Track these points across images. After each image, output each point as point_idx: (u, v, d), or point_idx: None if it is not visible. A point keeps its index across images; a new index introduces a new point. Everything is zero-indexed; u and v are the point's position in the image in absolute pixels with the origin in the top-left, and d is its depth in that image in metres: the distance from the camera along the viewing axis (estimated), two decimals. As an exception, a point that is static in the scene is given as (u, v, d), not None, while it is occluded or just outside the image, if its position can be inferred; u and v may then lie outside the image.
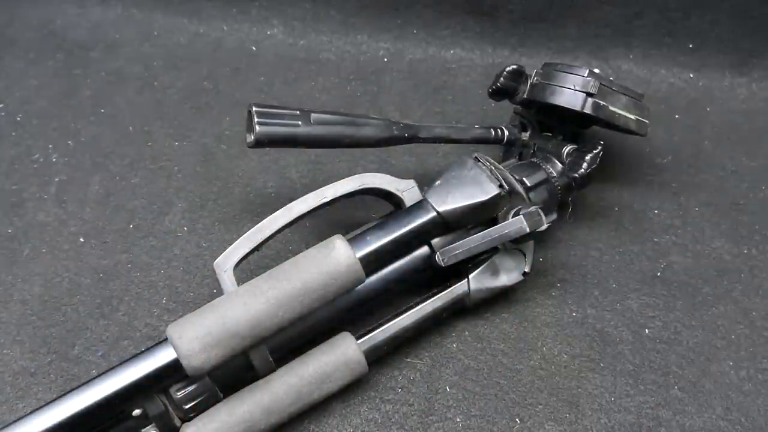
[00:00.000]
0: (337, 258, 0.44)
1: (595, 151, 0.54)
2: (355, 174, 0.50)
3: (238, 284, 0.45)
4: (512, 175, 0.53)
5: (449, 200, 0.50)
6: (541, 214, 0.49)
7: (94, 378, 0.43)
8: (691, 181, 0.67)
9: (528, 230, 0.48)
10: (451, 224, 0.51)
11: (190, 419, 0.44)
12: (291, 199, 0.48)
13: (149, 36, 0.81)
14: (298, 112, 0.50)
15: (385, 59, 0.79)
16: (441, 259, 0.50)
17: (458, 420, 0.49)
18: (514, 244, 0.52)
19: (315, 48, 0.80)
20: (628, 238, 0.61)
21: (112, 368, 0.43)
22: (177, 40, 0.80)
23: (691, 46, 0.77)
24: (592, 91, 0.53)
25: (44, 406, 0.42)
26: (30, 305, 0.55)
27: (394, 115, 0.72)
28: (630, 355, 0.53)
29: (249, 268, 0.55)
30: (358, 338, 0.49)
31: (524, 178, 0.54)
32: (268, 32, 0.81)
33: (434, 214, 0.50)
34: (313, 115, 0.51)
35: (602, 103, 0.54)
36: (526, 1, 0.76)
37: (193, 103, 0.73)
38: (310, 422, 0.49)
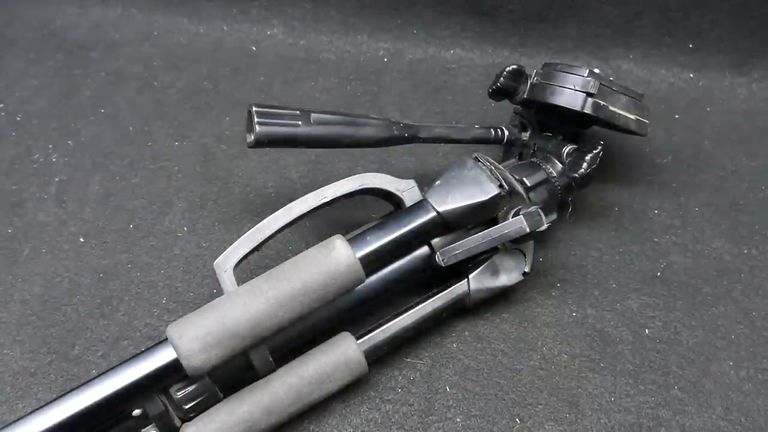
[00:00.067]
0: (337, 258, 0.44)
1: (595, 151, 0.54)
2: (355, 174, 0.50)
3: (238, 284, 0.45)
4: (512, 175, 0.53)
5: (449, 200, 0.50)
6: (541, 214, 0.49)
7: (94, 378, 0.43)
8: (691, 181, 0.67)
9: (528, 230, 0.48)
10: (451, 224, 0.51)
11: (190, 419, 0.44)
12: (291, 199, 0.48)
13: (149, 36, 0.81)
14: (298, 112, 0.50)
15: (385, 59, 0.79)
16: (441, 259, 0.50)
17: (458, 420, 0.49)
18: (514, 244, 0.52)
19: (315, 48, 0.80)
20: (628, 238, 0.61)
21: (112, 368, 0.43)
22: (177, 40, 0.80)
23: (691, 46, 0.77)
24: (592, 91, 0.53)
25: (44, 406, 0.42)
26: (30, 305, 0.55)
27: (394, 115, 0.72)
28: (630, 355, 0.53)
29: (249, 268, 0.55)
30: (358, 338, 0.49)
31: (524, 178, 0.54)
32: (268, 32, 0.81)
33: (434, 214, 0.50)
34: (313, 115, 0.51)
35: (602, 103, 0.54)
36: (526, 1, 0.76)
37: (193, 103, 0.73)
38: (310, 422, 0.49)
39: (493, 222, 0.51)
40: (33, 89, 0.74)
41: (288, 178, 0.65)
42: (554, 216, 0.56)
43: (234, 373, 0.46)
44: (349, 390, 0.49)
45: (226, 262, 0.46)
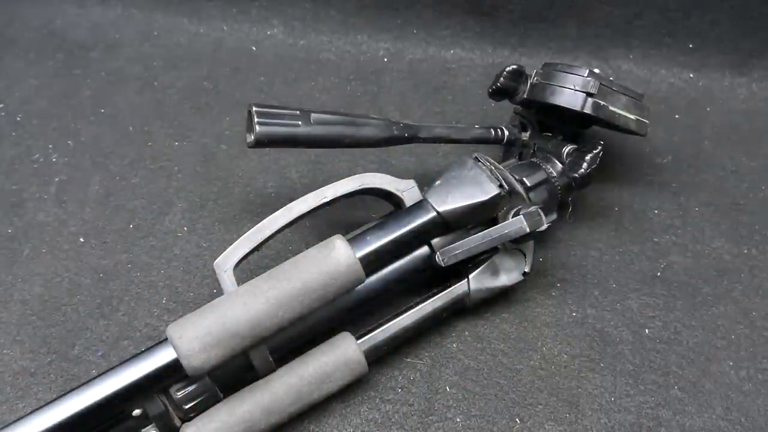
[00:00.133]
0: (337, 258, 0.44)
1: (595, 151, 0.54)
2: (355, 174, 0.50)
3: (238, 284, 0.45)
4: (512, 175, 0.53)
5: (449, 200, 0.50)
6: (541, 214, 0.49)
7: (94, 378, 0.43)
8: (691, 181, 0.67)
9: (528, 230, 0.48)
10: (451, 224, 0.51)
11: (190, 419, 0.44)
12: (291, 199, 0.48)
13: (149, 36, 0.81)
14: (298, 112, 0.50)
15: (385, 59, 0.79)
16: (441, 259, 0.50)
17: (458, 420, 0.49)
18: (514, 244, 0.52)
19: (315, 48, 0.80)
20: (628, 238, 0.61)
21: (112, 368, 0.43)
22: (177, 40, 0.80)
23: (691, 46, 0.77)
24: (592, 91, 0.53)
25: (44, 406, 0.42)
26: (30, 305, 0.55)
27: (394, 115, 0.72)
28: (630, 355, 0.53)
29: (249, 268, 0.55)
30: (358, 338, 0.49)
31: (524, 178, 0.54)
32: (268, 32, 0.81)
33: (434, 214, 0.50)
34: (313, 115, 0.51)
35: (602, 103, 0.54)
36: (526, 1, 0.76)
37: (193, 103, 0.73)
38: (310, 422, 0.49)
39: (493, 222, 0.51)
40: (33, 89, 0.74)
41: (288, 178, 0.65)
42: (554, 216, 0.56)
43: (234, 373, 0.46)
44: (349, 390, 0.49)
45: (226, 262, 0.46)
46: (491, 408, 0.50)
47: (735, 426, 0.50)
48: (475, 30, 0.79)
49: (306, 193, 0.49)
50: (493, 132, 0.60)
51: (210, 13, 0.82)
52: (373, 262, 0.49)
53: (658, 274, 0.59)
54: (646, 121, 0.57)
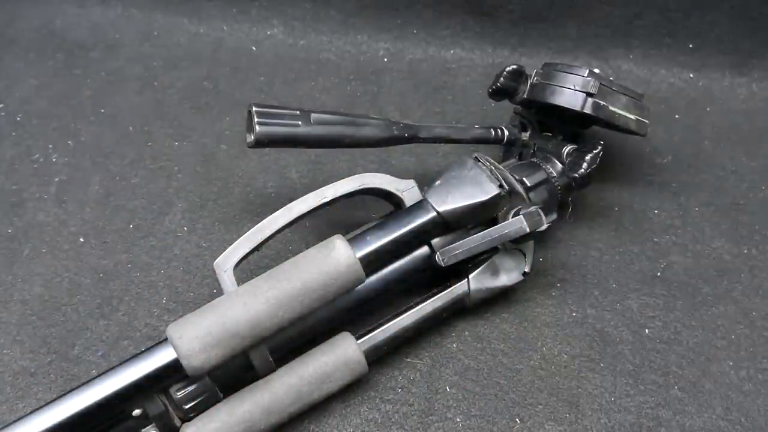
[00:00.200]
0: (337, 258, 0.44)
1: (595, 151, 0.54)
2: (355, 174, 0.50)
3: (238, 284, 0.45)
4: (512, 175, 0.53)
5: (449, 200, 0.50)
6: (541, 214, 0.49)
7: (94, 378, 0.43)
8: (691, 181, 0.67)
9: (528, 230, 0.48)
10: (451, 224, 0.51)
11: (190, 419, 0.44)
12: (291, 199, 0.48)
13: (149, 36, 0.81)
14: (298, 112, 0.50)
15: (385, 59, 0.79)
16: (441, 259, 0.50)
17: (458, 420, 0.49)
18: (514, 244, 0.52)
19: (315, 48, 0.80)
20: (628, 238, 0.61)
21: (112, 368, 0.43)
22: (177, 40, 0.80)
23: (691, 46, 0.77)
24: (592, 91, 0.53)
25: (44, 406, 0.42)
26: (30, 305, 0.55)
27: (394, 115, 0.72)
28: (630, 355, 0.53)
29: (249, 268, 0.55)
30: (358, 338, 0.49)
31: (524, 178, 0.54)
32: (268, 32, 0.81)
33: (434, 214, 0.50)
34: (313, 115, 0.51)
35: (602, 103, 0.54)
36: (526, 1, 0.76)
37: (193, 103, 0.73)
38: (310, 422, 0.49)
39: (493, 222, 0.51)
40: (33, 89, 0.74)
41: (288, 178, 0.65)
42: (554, 216, 0.56)
43: (234, 373, 0.46)
44: (349, 390, 0.49)
45: (226, 262, 0.46)
46: (491, 408, 0.50)
47: (735, 426, 0.50)
48: (475, 30, 0.79)
49: (306, 193, 0.49)
50: (493, 132, 0.60)
51: (210, 13, 0.82)
52: (373, 262, 0.49)
53: (658, 274, 0.59)
54: (646, 121, 0.57)
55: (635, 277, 0.58)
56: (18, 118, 0.71)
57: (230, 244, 0.46)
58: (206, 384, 0.44)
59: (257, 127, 0.48)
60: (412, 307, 0.51)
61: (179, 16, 0.82)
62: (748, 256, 0.60)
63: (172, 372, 0.43)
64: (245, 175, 0.65)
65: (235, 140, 0.68)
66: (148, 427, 0.45)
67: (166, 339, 0.43)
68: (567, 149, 0.57)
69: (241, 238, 0.47)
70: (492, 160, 0.52)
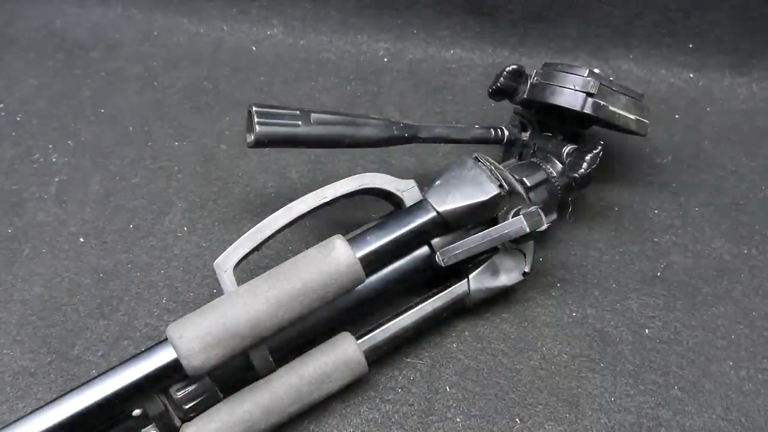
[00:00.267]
0: (337, 258, 0.44)
1: (595, 151, 0.54)
2: (355, 174, 0.50)
3: (238, 284, 0.45)
4: (512, 175, 0.53)
5: (449, 200, 0.50)
6: (541, 214, 0.49)
7: (94, 378, 0.43)
8: (691, 181, 0.67)
9: (528, 230, 0.48)
10: (451, 224, 0.51)
11: (190, 419, 0.44)
12: (291, 199, 0.48)
13: (149, 36, 0.81)
14: (298, 112, 0.50)
15: (385, 59, 0.79)
16: (441, 259, 0.50)
17: (458, 420, 0.49)
18: (514, 244, 0.52)
19: (315, 48, 0.80)
20: (628, 238, 0.61)
21: (112, 368, 0.43)
22: (177, 40, 0.80)
23: (691, 46, 0.77)
24: (592, 91, 0.53)
25: (44, 406, 0.42)
26: (30, 305, 0.55)
27: (394, 115, 0.72)
28: (630, 355, 0.53)
29: (249, 268, 0.55)
30: (358, 338, 0.49)
31: (524, 178, 0.54)
32: (268, 32, 0.81)
33: (434, 214, 0.50)
34: (313, 115, 0.51)
35: (602, 103, 0.54)
36: (526, 1, 0.76)
37: (193, 103, 0.73)
38: (310, 422, 0.49)
39: (493, 222, 0.51)
40: (33, 89, 0.74)
41: (288, 178, 0.65)
42: (554, 216, 0.56)
43: (234, 373, 0.46)
44: (349, 390, 0.49)
45: (226, 262, 0.46)
46: (491, 408, 0.50)
47: (735, 426, 0.50)
48: (475, 30, 0.79)
49: (306, 193, 0.49)
50: (493, 132, 0.60)
51: (210, 13, 0.82)
52: (373, 262, 0.49)
53: (658, 274, 0.59)
54: (646, 121, 0.57)
55: (635, 277, 0.58)
56: (18, 118, 0.71)
57: (230, 244, 0.46)
58: (206, 384, 0.44)
59: (257, 127, 0.48)
60: (412, 307, 0.51)
61: (179, 16, 0.82)
62: (748, 256, 0.60)
63: (172, 372, 0.43)
64: (245, 175, 0.65)
65: (235, 140, 0.68)
66: (148, 427, 0.45)
67: (166, 339, 0.43)
68: (567, 149, 0.57)
69: (241, 238, 0.47)
70: (492, 160, 0.52)
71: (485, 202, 0.50)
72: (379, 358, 0.50)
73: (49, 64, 0.77)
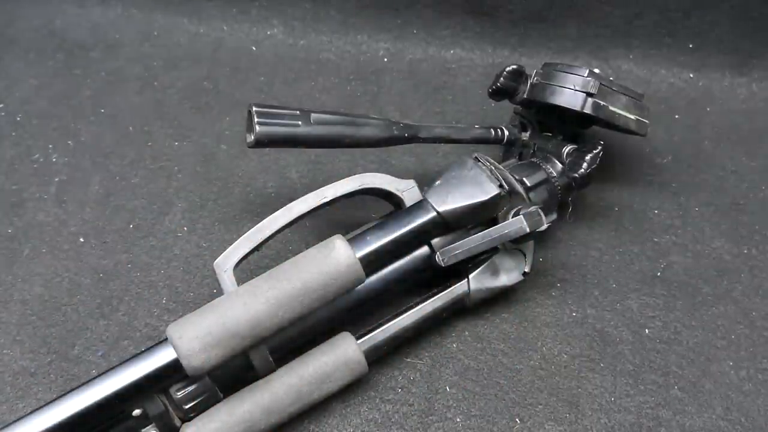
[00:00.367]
0: (337, 258, 0.44)
1: (595, 151, 0.54)
2: (355, 174, 0.50)
3: (238, 284, 0.45)
4: (512, 175, 0.53)
5: (449, 200, 0.50)
6: (541, 214, 0.49)
7: (94, 378, 0.43)
8: (691, 181, 0.67)
9: (528, 230, 0.48)
10: (451, 224, 0.51)
11: (190, 419, 0.44)
12: (291, 199, 0.48)
13: (149, 36, 0.81)
14: (298, 112, 0.50)
15: (385, 59, 0.79)
16: (441, 259, 0.50)
17: (458, 420, 0.49)
18: (514, 244, 0.52)
19: (315, 48, 0.80)
20: (628, 238, 0.61)
21: (112, 368, 0.43)
22: (177, 40, 0.80)
23: (691, 46, 0.77)
24: (592, 91, 0.53)
25: (44, 406, 0.42)
26: (30, 305, 0.55)
27: (394, 115, 0.72)
28: (630, 355, 0.53)
29: (249, 268, 0.55)
30: (358, 338, 0.49)
31: (524, 178, 0.54)
32: (268, 32, 0.81)
33: (434, 214, 0.50)
34: (313, 115, 0.51)
35: (602, 103, 0.54)
36: (526, 1, 0.76)
37: (193, 103, 0.73)
38: (310, 422, 0.49)
39: (493, 222, 0.51)
40: (33, 89, 0.74)
41: (288, 178, 0.65)
42: (554, 216, 0.56)
43: (234, 373, 0.46)
44: (349, 390, 0.49)
45: (226, 262, 0.46)
46: (491, 408, 0.50)
47: (735, 426, 0.50)
48: (475, 30, 0.79)
49: (306, 193, 0.49)
50: (493, 132, 0.60)
51: (210, 13, 0.82)
52: (373, 262, 0.49)
53: (658, 274, 0.59)
54: (646, 121, 0.57)
55: (635, 277, 0.58)
56: (18, 118, 0.71)
57: (230, 244, 0.46)
58: (206, 384, 0.44)
59: (257, 127, 0.48)
60: (412, 307, 0.51)
61: (179, 16, 0.82)
62: (748, 256, 0.60)
63: (172, 372, 0.43)
64: (245, 175, 0.65)
65: (235, 140, 0.68)
66: (148, 427, 0.45)
67: (166, 339, 0.43)
68: (567, 149, 0.57)
69: (241, 238, 0.47)
70: (492, 160, 0.52)
71: (485, 202, 0.50)
72: (379, 358, 0.50)
73: (49, 64, 0.77)
